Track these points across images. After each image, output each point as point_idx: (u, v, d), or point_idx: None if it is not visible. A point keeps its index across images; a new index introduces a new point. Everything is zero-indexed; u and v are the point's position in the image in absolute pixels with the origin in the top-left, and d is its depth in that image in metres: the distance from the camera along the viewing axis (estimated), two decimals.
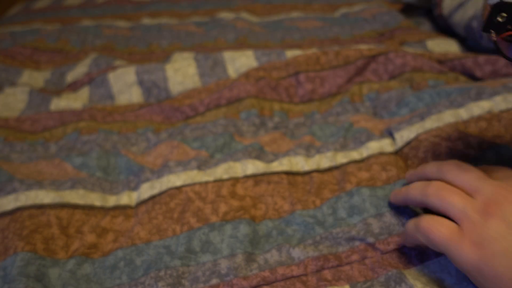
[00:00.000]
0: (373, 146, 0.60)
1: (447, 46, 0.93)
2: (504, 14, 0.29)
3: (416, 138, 0.59)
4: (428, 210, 0.49)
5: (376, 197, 0.50)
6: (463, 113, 0.60)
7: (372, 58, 0.79)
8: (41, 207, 0.53)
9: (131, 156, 0.63)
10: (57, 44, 1.06)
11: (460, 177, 0.39)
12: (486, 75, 0.73)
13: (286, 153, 0.60)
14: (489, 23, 0.31)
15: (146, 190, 0.56)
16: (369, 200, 0.50)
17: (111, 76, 0.85)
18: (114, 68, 0.87)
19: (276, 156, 0.61)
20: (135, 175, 0.60)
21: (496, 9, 0.30)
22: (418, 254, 0.44)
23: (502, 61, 0.71)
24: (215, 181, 0.56)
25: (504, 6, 0.29)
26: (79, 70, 0.92)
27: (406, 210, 0.48)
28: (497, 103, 0.58)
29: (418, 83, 0.73)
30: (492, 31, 0.30)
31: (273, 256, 0.46)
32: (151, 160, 0.63)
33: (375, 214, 0.48)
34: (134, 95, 0.83)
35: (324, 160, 0.59)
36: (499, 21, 0.30)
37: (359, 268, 0.44)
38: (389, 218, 0.47)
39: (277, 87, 0.77)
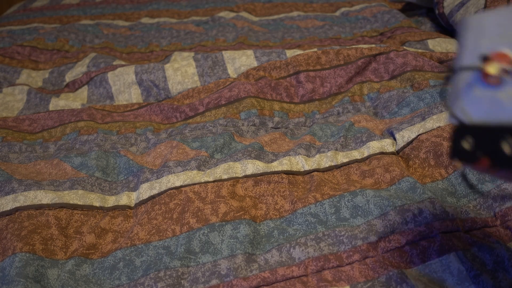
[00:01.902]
0: (374, 146, 0.60)
1: (448, 46, 0.93)
2: (470, 140, 0.25)
3: (417, 138, 0.59)
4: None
5: (381, 197, 0.50)
6: None
7: (373, 57, 0.79)
8: (40, 207, 0.52)
9: (130, 156, 0.63)
10: (56, 44, 1.06)
11: None
12: None
13: (286, 153, 0.60)
14: (456, 150, 0.25)
15: (146, 190, 0.56)
16: (373, 201, 0.49)
17: (110, 76, 0.85)
18: (113, 67, 0.87)
19: (276, 156, 0.60)
20: (135, 176, 0.60)
21: (459, 133, 0.25)
22: (419, 253, 0.44)
23: None
24: (215, 181, 0.55)
25: (467, 130, 0.25)
26: (78, 70, 0.91)
27: (410, 209, 0.47)
28: None
29: (419, 82, 0.73)
30: (460, 161, 0.25)
31: (273, 256, 0.45)
32: (151, 160, 0.63)
33: (380, 214, 0.48)
34: (133, 95, 0.83)
35: (324, 160, 0.59)
36: (466, 149, 0.25)
37: (359, 268, 0.43)
38: (394, 216, 0.47)
39: (277, 87, 0.77)
